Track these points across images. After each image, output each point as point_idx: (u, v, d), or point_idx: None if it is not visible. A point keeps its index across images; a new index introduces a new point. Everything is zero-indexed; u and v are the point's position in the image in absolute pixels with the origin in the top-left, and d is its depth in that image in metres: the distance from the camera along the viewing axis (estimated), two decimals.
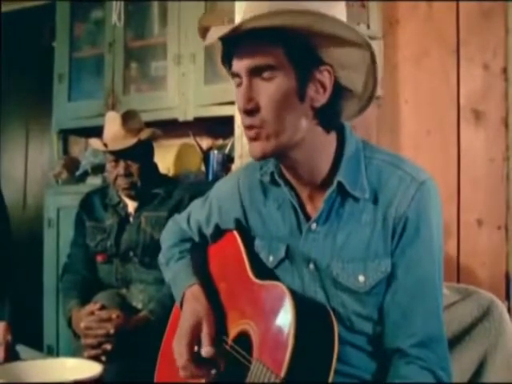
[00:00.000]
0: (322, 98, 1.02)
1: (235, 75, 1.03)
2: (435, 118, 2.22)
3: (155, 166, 2.15)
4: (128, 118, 2.02)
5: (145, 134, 1.99)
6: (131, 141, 1.96)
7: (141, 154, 2.00)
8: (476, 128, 2.16)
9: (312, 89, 1.01)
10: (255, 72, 1.00)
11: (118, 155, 1.98)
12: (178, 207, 1.95)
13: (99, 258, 2.07)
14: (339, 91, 1.04)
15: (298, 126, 1.01)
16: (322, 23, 0.95)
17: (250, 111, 1.00)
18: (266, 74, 0.99)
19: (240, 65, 1.01)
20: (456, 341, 1.26)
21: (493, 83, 2.13)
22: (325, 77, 1.01)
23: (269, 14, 0.93)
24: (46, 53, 3.08)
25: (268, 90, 0.99)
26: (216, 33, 0.99)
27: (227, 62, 1.07)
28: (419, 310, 1.02)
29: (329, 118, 1.05)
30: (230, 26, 0.96)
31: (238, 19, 2.00)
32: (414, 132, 2.26)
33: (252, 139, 1.02)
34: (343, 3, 1.04)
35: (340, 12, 1.01)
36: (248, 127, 1.02)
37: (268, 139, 1.01)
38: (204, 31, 1.08)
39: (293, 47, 0.98)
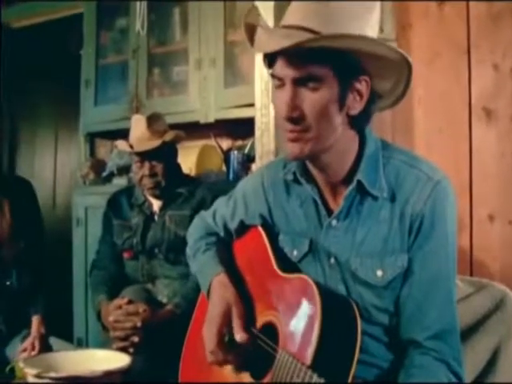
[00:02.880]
0: (358, 106, 1.05)
1: (276, 77, 1.04)
2: (447, 116, 2.22)
3: (179, 167, 2.20)
4: (153, 120, 2.06)
5: (169, 136, 2.04)
6: (156, 142, 2.01)
7: (165, 154, 2.04)
8: (487, 126, 2.16)
9: (350, 98, 1.03)
10: (301, 81, 1.01)
11: (144, 156, 2.03)
12: (201, 206, 1.98)
13: (126, 255, 2.13)
14: (373, 96, 1.07)
15: (334, 132, 1.05)
16: (374, 46, 0.99)
17: (296, 119, 1.02)
18: (311, 85, 1.00)
19: (285, 72, 1.01)
20: (470, 331, 1.30)
21: (503, 82, 2.12)
22: (363, 86, 1.04)
23: (334, 36, 0.95)
24: (73, 60, 3.14)
25: (312, 100, 1.01)
26: (270, 41, 1.00)
27: (269, 60, 1.06)
28: (434, 303, 1.06)
29: (361, 122, 1.09)
30: (287, 35, 0.97)
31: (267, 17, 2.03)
32: (427, 130, 2.26)
33: (291, 141, 1.05)
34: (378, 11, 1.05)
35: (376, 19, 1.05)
36: (290, 131, 1.04)
37: (307, 143, 1.03)
38: (250, 29, 1.05)
39: (340, 61, 0.99)
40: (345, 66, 1.00)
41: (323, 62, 0.99)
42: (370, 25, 1.02)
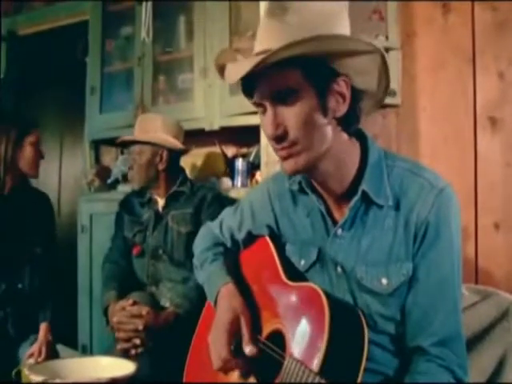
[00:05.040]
0: (342, 108, 1.05)
1: (259, 105, 1.07)
2: (452, 125, 2.23)
3: (182, 170, 2.24)
4: (143, 121, 2.21)
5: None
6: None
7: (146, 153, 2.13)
8: (492, 134, 2.16)
9: (332, 101, 1.04)
10: (278, 99, 1.03)
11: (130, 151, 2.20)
12: (202, 204, 2.08)
13: (134, 251, 2.17)
14: (356, 95, 1.07)
15: (325, 139, 1.05)
16: (340, 44, 0.99)
17: (280, 137, 1.04)
18: (289, 99, 1.02)
19: (262, 94, 1.05)
20: (476, 340, 1.31)
21: (508, 91, 2.13)
22: (342, 87, 1.04)
23: (289, 45, 0.95)
24: (79, 67, 3.15)
25: (293, 114, 1.02)
26: (237, 70, 1.02)
27: (248, 91, 1.09)
28: (439, 310, 1.06)
29: (351, 122, 1.09)
30: (252, 60, 0.98)
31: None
32: (432, 139, 2.27)
33: (284, 158, 1.06)
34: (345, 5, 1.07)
35: (345, 16, 1.06)
36: (280, 149, 1.06)
37: (299, 155, 1.05)
38: (221, 69, 1.12)
39: (310, 67, 1.00)
40: (317, 72, 1.01)
41: (294, 74, 1.00)
42: (336, 31, 1.02)
